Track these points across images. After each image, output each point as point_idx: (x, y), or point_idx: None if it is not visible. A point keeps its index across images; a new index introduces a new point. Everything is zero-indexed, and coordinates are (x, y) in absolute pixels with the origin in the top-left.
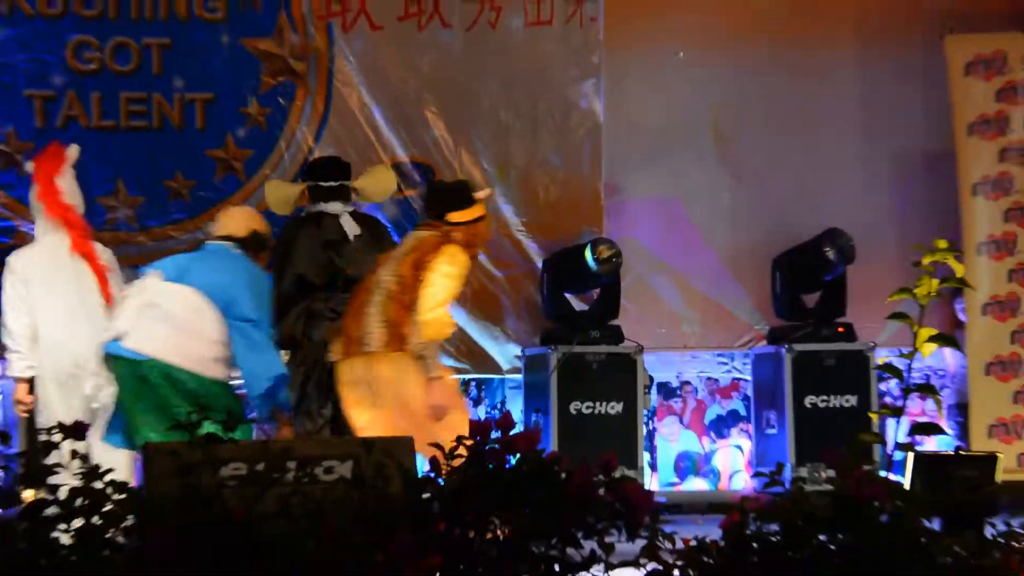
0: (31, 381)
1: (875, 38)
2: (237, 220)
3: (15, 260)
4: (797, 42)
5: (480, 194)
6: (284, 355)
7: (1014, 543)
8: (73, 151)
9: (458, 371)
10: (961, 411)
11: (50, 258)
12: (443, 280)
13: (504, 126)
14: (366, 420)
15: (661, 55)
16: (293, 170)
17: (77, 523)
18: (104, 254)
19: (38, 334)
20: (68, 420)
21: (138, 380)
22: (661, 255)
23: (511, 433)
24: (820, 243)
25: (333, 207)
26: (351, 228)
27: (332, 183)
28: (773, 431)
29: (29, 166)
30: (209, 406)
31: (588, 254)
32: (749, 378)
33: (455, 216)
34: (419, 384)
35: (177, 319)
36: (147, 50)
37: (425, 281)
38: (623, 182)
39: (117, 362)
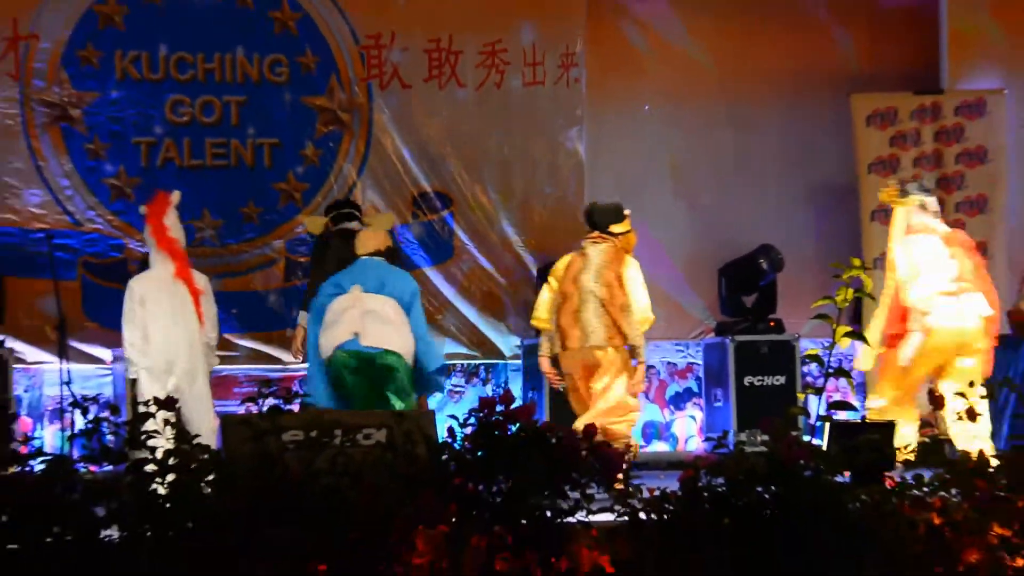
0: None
1: (795, 96)
2: (377, 240)
3: (135, 283)
4: (737, 99)
5: (626, 211)
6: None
7: (906, 491)
8: (176, 196)
9: (469, 357)
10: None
11: (159, 282)
12: (639, 282)
13: (507, 163)
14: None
15: (632, 108)
16: (340, 198)
17: (170, 478)
18: (200, 280)
19: (146, 341)
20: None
21: (368, 367)
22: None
23: (512, 407)
24: (756, 256)
25: (351, 225)
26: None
27: (349, 209)
28: (720, 404)
29: (143, 209)
30: (404, 388)
31: None
32: (701, 362)
33: (615, 228)
34: (625, 371)
35: (389, 318)
36: (227, 106)
37: (625, 287)
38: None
39: (357, 355)
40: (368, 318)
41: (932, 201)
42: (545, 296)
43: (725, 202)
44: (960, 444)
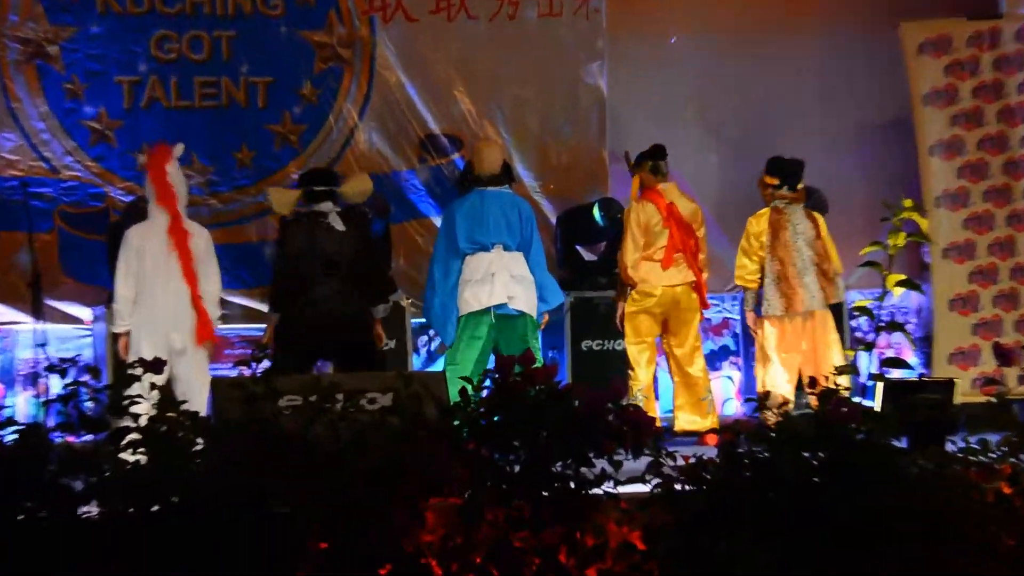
0: (128, 335)
1: (838, 25)
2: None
3: (132, 234)
4: (773, 29)
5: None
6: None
7: (971, 456)
8: (178, 149)
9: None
10: (925, 343)
11: (156, 234)
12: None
13: (521, 101)
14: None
15: (657, 40)
16: (340, 141)
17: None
18: (200, 237)
19: (141, 297)
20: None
21: (512, 330)
22: None
23: (532, 367)
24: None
25: (324, 206)
26: (337, 224)
27: (323, 187)
28: None
29: (141, 159)
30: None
31: (596, 211)
32: (737, 318)
33: (799, 185)
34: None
35: (526, 280)
36: (218, 41)
37: (827, 248)
38: (625, 148)
39: (506, 319)
40: (513, 284)
41: None
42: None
43: (760, 143)
44: None
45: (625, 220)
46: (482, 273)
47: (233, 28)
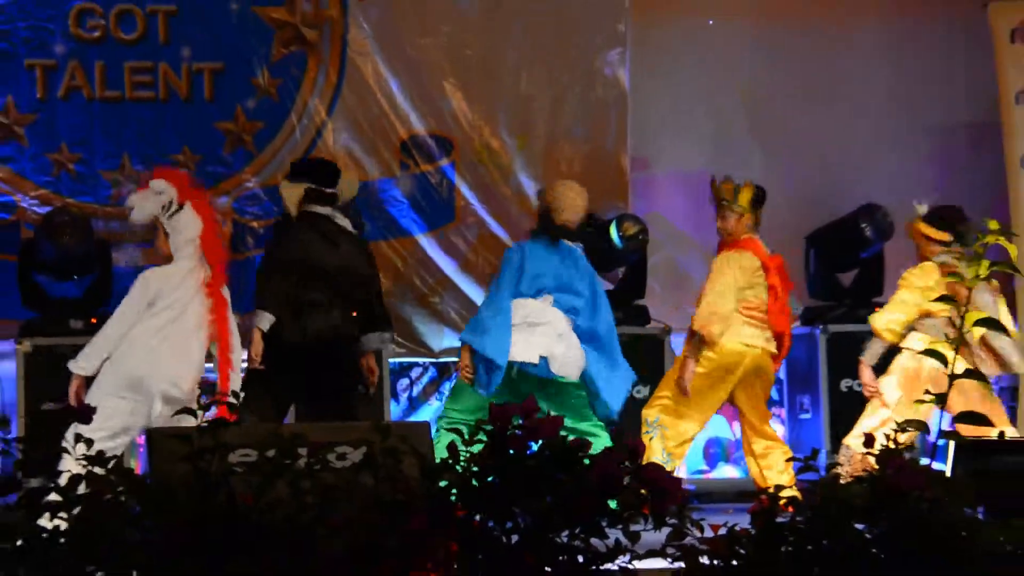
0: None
1: (911, 7)
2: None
3: (152, 276)
4: (832, 10)
5: None
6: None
7: None
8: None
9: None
10: (1011, 394)
11: (181, 283)
12: None
13: (525, 96)
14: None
15: (691, 23)
16: (305, 143)
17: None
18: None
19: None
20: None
21: (550, 396)
22: (689, 232)
23: (534, 418)
24: (856, 219)
25: (325, 209)
26: (345, 223)
27: (330, 189)
28: (807, 415)
29: (124, 185)
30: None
31: (613, 231)
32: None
33: None
34: None
35: (572, 342)
36: (152, 17)
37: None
38: (649, 155)
39: (540, 381)
40: (560, 341)
41: None
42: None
43: (814, 148)
44: None
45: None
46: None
47: (172, 2)
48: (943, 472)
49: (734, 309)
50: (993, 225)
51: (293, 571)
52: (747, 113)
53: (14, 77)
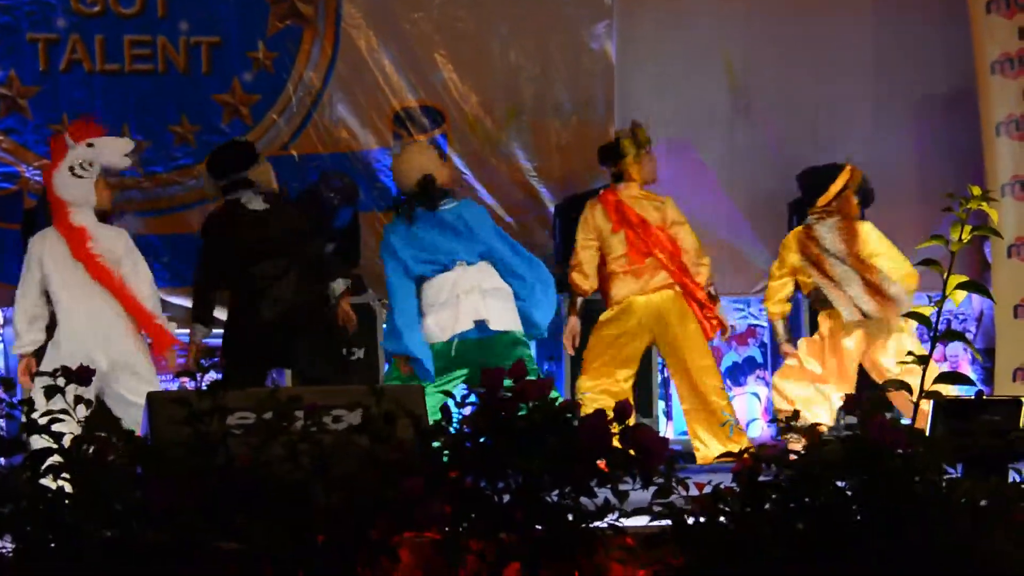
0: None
1: None
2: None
3: (34, 241)
4: None
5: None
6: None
7: None
8: (123, 144)
9: None
10: (987, 356)
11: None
12: None
13: (514, 68)
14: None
15: None
16: (301, 114)
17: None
18: (118, 241)
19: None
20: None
21: (489, 350)
22: (674, 199)
23: (524, 382)
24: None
25: (246, 197)
26: (259, 206)
27: (242, 172)
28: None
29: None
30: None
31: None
32: (766, 324)
33: None
34: None
35: (501, 292)
36: None
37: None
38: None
39: (480, 343)
40: (490, 297)
41: None
42: None
43: (797, 116)
44: None
45: None
46: (446, 295)
47: None
48: (922, 430)
49: None
50: (975, 191)
51: (290, 524)
52: (731, 85)
53: (17, 51)
